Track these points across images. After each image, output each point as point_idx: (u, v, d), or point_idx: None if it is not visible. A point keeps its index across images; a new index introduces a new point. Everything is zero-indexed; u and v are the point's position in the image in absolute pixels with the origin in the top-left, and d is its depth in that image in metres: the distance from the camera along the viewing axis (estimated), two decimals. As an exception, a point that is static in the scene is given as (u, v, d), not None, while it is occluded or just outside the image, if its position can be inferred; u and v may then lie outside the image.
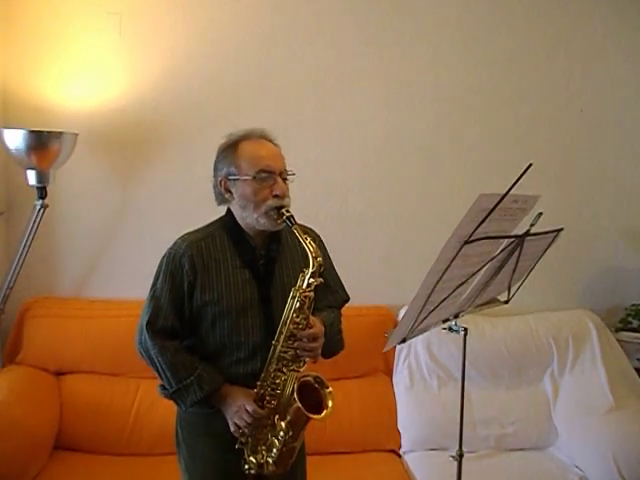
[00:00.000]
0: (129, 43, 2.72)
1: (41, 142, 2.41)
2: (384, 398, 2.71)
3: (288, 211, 1.63)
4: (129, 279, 2.78)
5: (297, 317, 1.62)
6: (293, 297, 1.63)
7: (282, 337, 1.63)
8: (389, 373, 2.80)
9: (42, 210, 2.52)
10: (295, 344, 1.63)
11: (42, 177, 2.47)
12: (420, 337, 1.87)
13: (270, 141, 1.73)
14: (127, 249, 2.81)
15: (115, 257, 2.81)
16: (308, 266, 1.62)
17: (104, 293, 2.78)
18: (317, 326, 1.66)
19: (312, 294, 1.63)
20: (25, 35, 2.66)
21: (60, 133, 2.45)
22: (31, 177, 2.47)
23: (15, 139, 2.38)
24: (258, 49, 2.78)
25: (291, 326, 1.62)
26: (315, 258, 1.61)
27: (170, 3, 2.73)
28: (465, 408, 1.91)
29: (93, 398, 2.53)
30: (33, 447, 2.29)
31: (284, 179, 1.68)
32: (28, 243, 2.54)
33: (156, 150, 2.79)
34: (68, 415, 2.50)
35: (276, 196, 1.64)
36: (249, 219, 1.67)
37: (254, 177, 1.64)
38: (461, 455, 1.89)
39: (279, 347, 1.63)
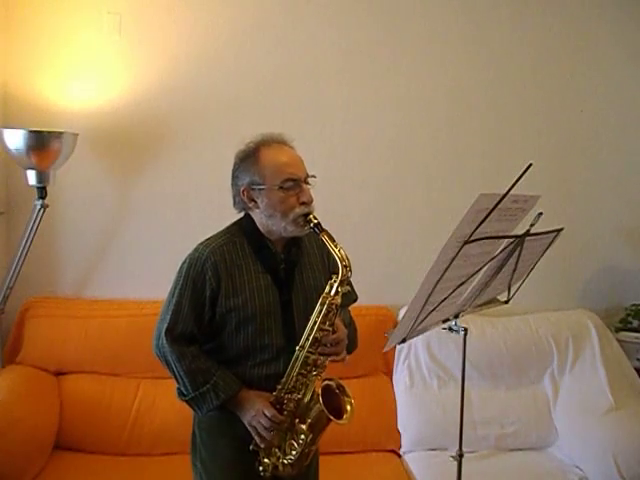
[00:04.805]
0: (129, 43, 2.71)
1: (41, 142, 2.40)
2: (384, 398, 2.71)
3: (315, 218, 1.63)
4: (129, 279, 2.79)
5: (324, 324, 1.62)
6: (322, 304, 1.62)
7: (308, 343, 1.62)
8: (389, 373, 2.80)
9: (42, 210, 2.51)
10: (319, 349, 1.63)
11: (42, 177, 2.47)
12: (420, 337, 1.87)
13: (288, 145, 1.71)
14: (127, 249, 2.80)
15: (115, 257, 2.80)
16: (337, 273, 1.61)
17: (104, 293, 2.78)
18: (340, 329, 1.67)
19: (339, 301, 1.62)
20: (25, 35, 2.65)
21: (60, 133, 2.44)
22: (31, 177, 2.46)
23: (15, 139, 2.38)
24: (259, 49, 2.77)
25: (317, 332, 1.62)
26: (345, 267, 1.60)
27: (170, 3, 2.73)
28: (465, 408, 1.91)
29: (93, 398, 2.53)
30: (33, 447, 2.29)
31: (307, 184, 1.67)
32: (28, 243, 2.54)
33: (156, 150, 2.79)
34: (68, 415, 2.49)
35: (303, 203, 1.64)
36: (275, 227, 1.66)
37: (280, 186, 1.62)
38: (461, 455, 1.89)
39: (304, 352, 1.62)
